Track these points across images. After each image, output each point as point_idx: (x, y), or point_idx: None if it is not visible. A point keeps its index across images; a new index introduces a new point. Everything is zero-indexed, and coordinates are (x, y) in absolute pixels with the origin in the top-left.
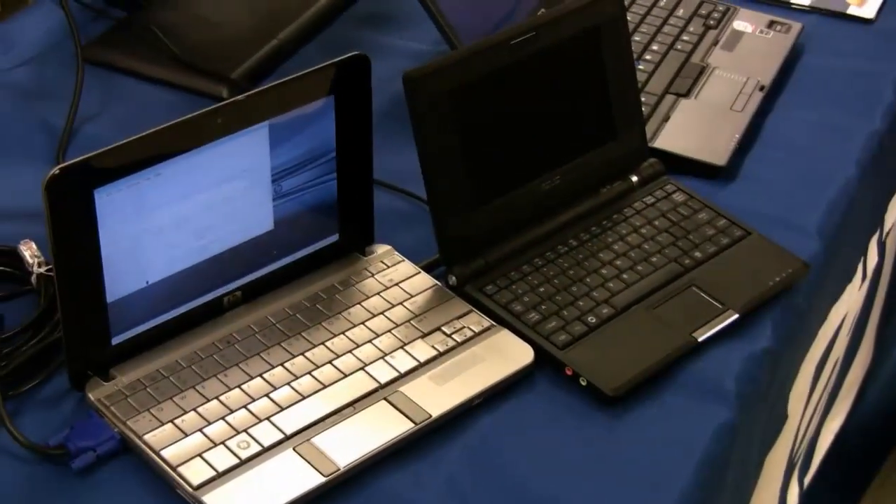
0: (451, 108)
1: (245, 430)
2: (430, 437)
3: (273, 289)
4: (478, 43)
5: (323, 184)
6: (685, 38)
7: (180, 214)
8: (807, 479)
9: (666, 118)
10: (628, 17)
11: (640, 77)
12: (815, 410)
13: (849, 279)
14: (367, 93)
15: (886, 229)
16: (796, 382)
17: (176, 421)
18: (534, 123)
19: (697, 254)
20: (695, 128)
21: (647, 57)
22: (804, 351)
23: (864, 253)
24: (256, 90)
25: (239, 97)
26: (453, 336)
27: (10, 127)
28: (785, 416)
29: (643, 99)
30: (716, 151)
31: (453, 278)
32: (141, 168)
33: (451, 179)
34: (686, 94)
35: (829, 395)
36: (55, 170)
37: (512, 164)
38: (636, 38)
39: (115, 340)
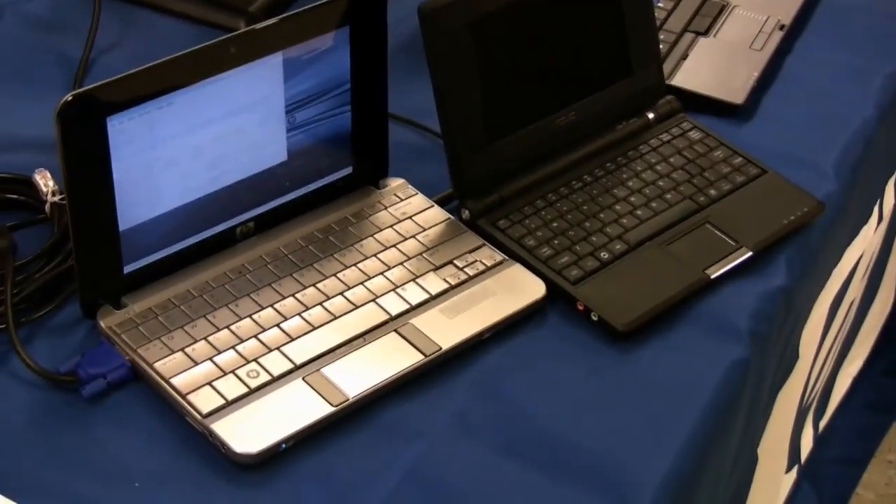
0: (466, 41)
1: (255, 360)
2: (439, 369)
3: (286, 220)
4: None
5: (337, 116)
6: None
7: (193, 144)
8: (822, 423)
9: (684, 56)
10: None
11: (660, 15)
12: (830, 353)
13: (865, 220)
14: (383, 25)
15: None
16: (808, 322)
17: (186, 349)
18: (550, 58)
19: (712, 191)
20: (713, 66)
21: None
22: (817, 291)
23: (881, 195)
24: (270, 21)
25: (252, 27)
26: (465, 269)
27: (28, 58)
28: (796, 355)
29: (662, 37)
30: (733, 90)
31: (466, 212)
32: (153, 97)
33: (465, 113)
34: (705, 33)
35: (846, 338)
36: (67, 97)
37: (527, 98)
38: None
39: (127, 269)
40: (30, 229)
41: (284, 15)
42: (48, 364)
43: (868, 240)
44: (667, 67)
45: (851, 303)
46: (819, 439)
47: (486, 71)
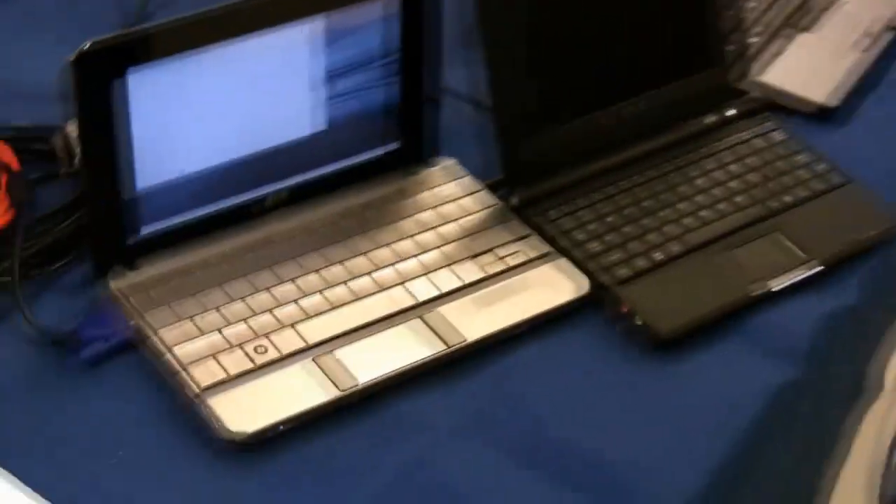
0: (526, 16)
1: (265, 335)
2: (462, 363)
3: (322, 194)
4: None
5: (384, 86)
6: None
7: (223, 105)
8: None
9: (780, 52)
10: None
11: (760, 6)
12: None
13: None
14: None
15: None
16: None
17: (195, 318)
18: (621, 41)
19: (787, 197)
20: (810, 65)
21: None
22: None
23: None
24: None
25: None
26: (505, 259)
27: (84, 6)
28: (880, 386)
29: (758, 28)
30: (827, 91)
31: (516, 199)
32: (181, 50)
33: (521, 95)
34: (807, 29)
35: None
36: (85, 44)
37: (592, 83)
38: None
39: (145, 231)
40: (60, 183)
41: None
42: (52, 323)
43: None
44: (760, 62)
45: None
46: None
47: (547, 50)
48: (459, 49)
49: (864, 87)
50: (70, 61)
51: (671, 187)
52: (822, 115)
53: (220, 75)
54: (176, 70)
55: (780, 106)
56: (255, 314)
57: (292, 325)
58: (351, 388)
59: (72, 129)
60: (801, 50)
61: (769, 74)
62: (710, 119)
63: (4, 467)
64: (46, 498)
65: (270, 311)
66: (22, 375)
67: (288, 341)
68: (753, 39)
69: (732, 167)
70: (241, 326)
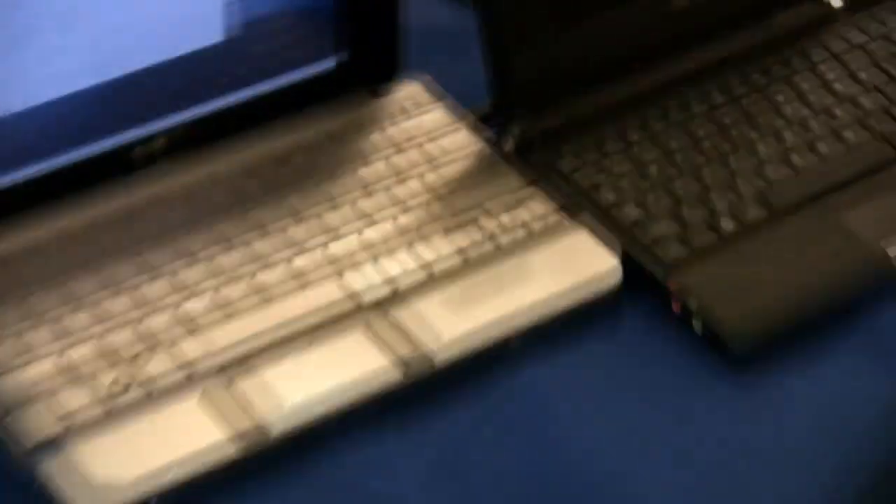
0: None
1: (126, 361)
2: (428, 392)
3: (220, 138)
4: None
5: None
6: None
7: (67, 6)
8: None
9: None
10: None
11: None
12: None
13: None
14: None
15: None
16: None
17: (18, 336)
18: None
19: None
20: None
21: None
22: None
23: None
24: None
25: None
26: (496, 232)
27: None
28: None
29: None
30: None
31: (511, 140)
32: None
33: None
34: None
35: None
36: None
37: None
38: None
39: None
40: None
41: None
42: None
43: None
44: None
45: None
46: None
47: None
48: None
49: None
50: None
51: (746, 119)
52: None
53: None
54: None
55: None
56: (111, 329)
57: (169, 344)
58: (258, 438)
59: None
60: None
61: None
62: (805, 13)
63: None
64: None
65: (133, 323)
66: None
67: (161, 370)
68: None
69: (839, 85)
70: (90, 348)
